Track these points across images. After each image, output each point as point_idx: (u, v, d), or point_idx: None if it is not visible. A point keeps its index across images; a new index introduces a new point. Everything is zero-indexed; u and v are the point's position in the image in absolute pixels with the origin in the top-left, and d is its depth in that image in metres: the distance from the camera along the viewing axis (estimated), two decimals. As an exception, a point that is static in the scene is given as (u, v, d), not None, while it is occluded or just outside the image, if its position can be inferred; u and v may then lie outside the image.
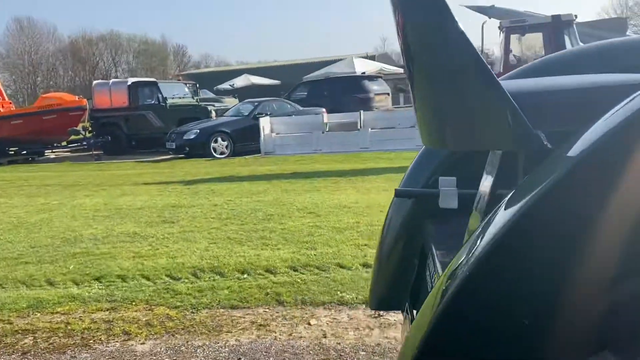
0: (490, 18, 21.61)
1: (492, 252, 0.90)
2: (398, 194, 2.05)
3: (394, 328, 3.39)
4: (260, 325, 3.58)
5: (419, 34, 1.30)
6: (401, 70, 27.97)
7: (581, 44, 14.26)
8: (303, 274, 4.43)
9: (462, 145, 1.45)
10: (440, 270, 1.59)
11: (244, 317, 3.73)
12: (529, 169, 1.36)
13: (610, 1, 53.48)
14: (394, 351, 3.07)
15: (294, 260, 4.73)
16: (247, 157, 14.31)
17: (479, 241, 0.95)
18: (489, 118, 1.28)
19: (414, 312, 1.92)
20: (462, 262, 0.97)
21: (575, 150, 0.94)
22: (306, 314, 3.72)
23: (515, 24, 14.82)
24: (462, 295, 0.91)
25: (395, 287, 2.13)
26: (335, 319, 3.61)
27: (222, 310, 3.89)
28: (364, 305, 3.78)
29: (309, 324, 3.56)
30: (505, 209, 0.96)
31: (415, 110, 1.50)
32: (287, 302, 3.92)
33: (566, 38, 13.99)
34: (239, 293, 4.13)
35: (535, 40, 14.98)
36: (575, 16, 14.35)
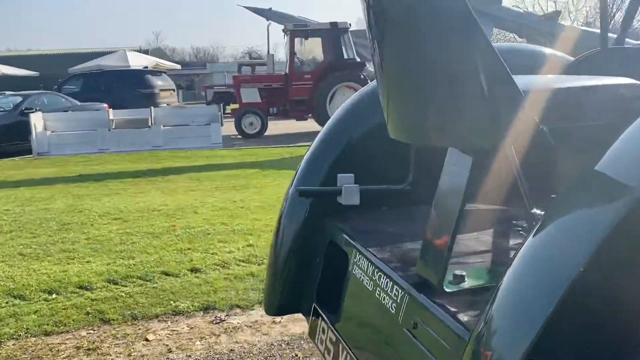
0: (267, 20, 22.48)
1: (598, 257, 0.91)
2: (302, 193, 2.02)
3: (241, 331, 3.33)
4: (89, 349, 3.18)
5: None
6: (177, 66, 27.10)
7: (353, 48, 15.75)
8: (125, 286, 4.05)
9: (451, 141, 1.37)
10: (383, 267, 1.56)
11: (65, 343, 3.26)
12: (531, 166, 1.39)
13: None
14: (250, 354, 3.02)
15: (111, 272, 4.29)
16: (15, 158, 12.45)
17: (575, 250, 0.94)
18: (498, 113, 1.25)
19: (325, 312, 1.89)
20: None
21: None
22: (140, 329, 3.42)
23: (298, 28, 15.66)
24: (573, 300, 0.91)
25: (297, 289, 2.08)
26: (174, 330, 3.39)
27: (33, 339, 3.34)
28: (201, 313, 3.62)
29: (147, 339, 3.28)
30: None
31: (387, 102, 1.45)
32: (114, 319, 3.54)
33: (342, 44, 15.29)
34: (51, 317, 3.59)
35: (315, 44, 16.04)
36: (350, 24, 15.77)
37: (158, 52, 39.75)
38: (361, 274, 1.67)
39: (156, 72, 20.76)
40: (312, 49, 16.55)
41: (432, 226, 1.41)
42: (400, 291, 1.44)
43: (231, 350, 3.08)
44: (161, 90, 19.04)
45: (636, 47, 2.28)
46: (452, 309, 1.27)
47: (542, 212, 1.69)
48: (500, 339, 0.98)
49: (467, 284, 1.36)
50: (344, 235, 1.87)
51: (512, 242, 1.71)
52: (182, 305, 3.71)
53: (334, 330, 1.76)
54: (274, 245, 2.15)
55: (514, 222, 1.81)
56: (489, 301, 1.04)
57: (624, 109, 1.50)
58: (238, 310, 3.65)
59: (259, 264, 4.43)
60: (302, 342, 3.12)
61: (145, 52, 35.21)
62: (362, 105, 2.15)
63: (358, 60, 15.77)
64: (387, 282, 1.51)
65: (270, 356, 2.99)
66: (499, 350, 0.97)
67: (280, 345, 3.11)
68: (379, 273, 1.57)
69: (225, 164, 9.98)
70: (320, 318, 1.89)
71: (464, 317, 1.23)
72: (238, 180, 8.27)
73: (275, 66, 18.37)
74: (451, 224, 1.33)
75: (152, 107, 13.38)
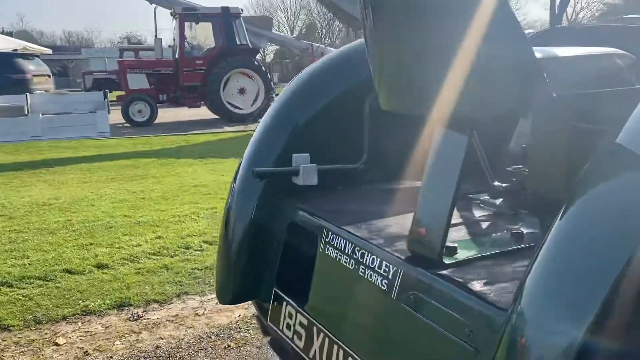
0: (151, 4, 21.43)
1: None
2: (258, 174, 1.92)
3: (163, 327, 3.16)
4: (-11, 360, 2.84)
5: None
6: (47, 50, 25.15)
7: (246, 35, 15.52)
8: (23, 288, 3.67)
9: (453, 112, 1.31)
10: (365, 245, 1.51)
11: (-42, 357, 2.89)
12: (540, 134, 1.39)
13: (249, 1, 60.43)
14: (179, 349, 2.87)
15: (2, 274, 3.87)
16: None
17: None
18: (513, 79, 1.22)
19: (290, 296, 1.83)
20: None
21: None
22: (47, 333, 3.12)
23: (188, 12, 15.08)
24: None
25: (254, 275, 1.98)
26: (88, 332, 3.14)
27: None
28: (115, 311, 3.39)
29: (57, 344, 3.00)
30: None
31: (380, 73, 1.40)
32: (14, 325, 3.20)
33: (234, 29, 14.99)
34: None
35: (206, 29, 15.56)
36: (242, 10, 15.49)
37: (24, 35, 36.31)
38: (337, 253, 1.63)
39: (28, 55, 18.95)
40: (203, 34, 16.06)
41: (426, 201, 1.41)
42: (391, 267, 1.42)
43: (157, 347, 2.91)
44: (34, 75, 17.41)
45: (580, 26, 2.45)
46: (458, 279, 1.28)
47: (503, 184, 1.78)
48: (553, 319, 0.96)
49: (461, 255, 1.38)
50: (310, 216, 1.82)
51: (477, 214, 1.76)
52: (93, 304, 3.44)
53: (304, 314, 1.71)
54: (224, 231, 2.04)
55: (470, 195, 1.88)
56: (523, 279, 1.02)
57: (608, 78, 1.58)
58: (155, 305, 3.46)
59: (171, 256, 4.23)
60: (232, 332, 3.03)
61: (9, 34, 32.04)
62: (312, 84, 2.10)
63: (251, 46, 15.57)
64: (374, 259, 1.49)
65: (201, 349, 2.86)
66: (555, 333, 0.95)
67: (210, 337, 2.99)
68: (362, 251, 1.53)
69: (117, 153, 9.40)
70: (284, 303, 1.82)
71: (473, 287, 1.24)
72: (134, 171, 7.83)
73: (163, 52, 17.61)
74: (449, 199, 1.34)
75: (27, 94, 12.18)
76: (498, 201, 1.78)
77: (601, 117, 1.40)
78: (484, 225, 1.66)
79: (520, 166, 1.83)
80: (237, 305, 3.04)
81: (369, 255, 1.51)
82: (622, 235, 0.91)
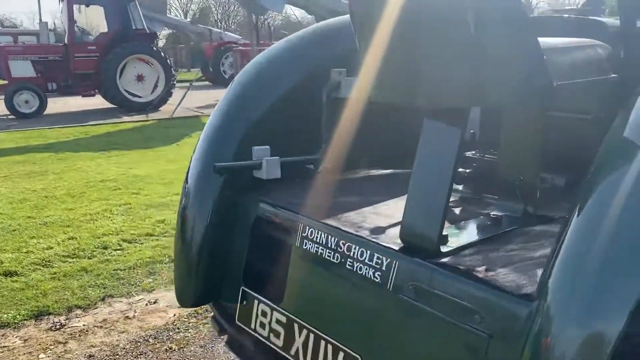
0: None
1: None
2: (219, 170, 1.83)
3: (92, 333, 2.96)
4: None
5: None
6: None
7: (142, 19, 14.78)
8: None
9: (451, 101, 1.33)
10: (352, 237, 1.49)
11: None
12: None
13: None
14: (116, 356, 2.71)
15: None
16: None
17: None
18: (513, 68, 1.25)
19: (262, 295, 1.77)
20: None
21: None
22: (-45, 354, 2.82)
23: (77, -6, 14.04)
24: None
25: (217, 275, 1.91)
26: (5, 347, 2.87)
27: None
28: (33, 321, 3.13)
29: (-30, 364, 2.72)
30: None
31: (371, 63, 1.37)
32: None
33: (129, 13, 14.20)
34: None
35: (97, 13, 14.60)
36: (135, -7, 14.68)
37: None
38: (317, 247, 1.59)
39: None
40: (94, 18, 15.04)
41: (420, 192, 1.41)
42: (384, 259, 1.41)
43: (90, 356, 2.72)
44: None
45: (548, 15, 2.58)
46: (461, 267, 1.30)
47: (466, 170, 1.84)
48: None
49: (453, 242, 1.41)
50: (280, 210, 1.77)
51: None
52: (6, 316, 3.15)
53: (282, 311, 1.67)
54: (181, 232, 1.93)
55: None
56: (548, 270, 1.07)
57: (595, 67, 1.67)
58: (79, 312, 3.24)
59: (89, 257, 3.97)
60: (170, 334, 2.91)
61: None
62: (265, 75, 2.04)
63: (148, 31, 14.84)
64: (362, 251, 1.47)
65: (141, 354, 2.72)
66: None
67: (147, 340, 2.85)
68: (348, 244, 1.51)
69: (7, 148, 8.59)
70: (255, 302, 1.77)
71: (478, 273, 1.26)
72: (30, 167, 7.21)
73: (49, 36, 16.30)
74: (445, 187, 1.36)
75: None
76: (461, 187, 1.84)
77: (593, 105, 1.49)
78: (459, 211, 1.71)
79: (474, 152, 1.90)
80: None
81: (357, 247, 1.48)
82: None
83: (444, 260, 1.34)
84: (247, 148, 1.90)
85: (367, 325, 1.47)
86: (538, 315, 1.06)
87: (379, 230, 1.55)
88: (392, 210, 1.70)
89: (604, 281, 1.00)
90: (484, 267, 1.30)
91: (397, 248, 1.42)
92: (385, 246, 1.44)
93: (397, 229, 1.48)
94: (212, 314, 2.18)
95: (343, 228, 1.58)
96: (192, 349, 2.75)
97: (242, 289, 1.83)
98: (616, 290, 0.99)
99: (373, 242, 1.48)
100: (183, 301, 2.02)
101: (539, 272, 1.22)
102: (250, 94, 2.01)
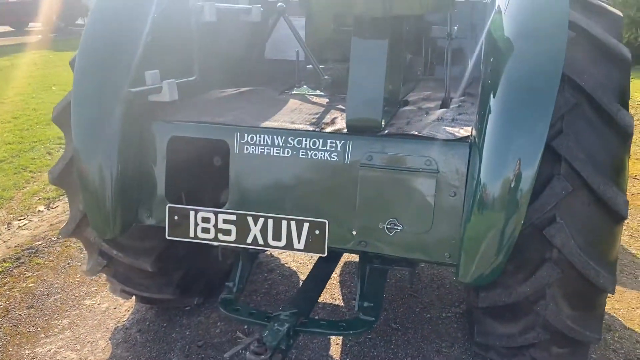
0: None
1: None
2: (134, 95, 1.88)
3: None
4: None
5: None
6: None
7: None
8: None
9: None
10: (300, 132, 1.89)
11: None
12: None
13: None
14: None
15: None
16: None
17: None
18: None
19: (195, 204, 2.01)
20: None
21: None
22: None
23: None
24: None
25: (136, 199, 2.02)
26: None
27: None
28: None
29: None
30: None
31: None
32: None
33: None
34: None
35: None
36: None
37: None
38: (262, 149, 1.85)
39: None
40: None
41: (360, 83, 1.80)
42: (338, 142, 1.81)
43: None
44: None
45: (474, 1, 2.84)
46: (405, 133, 1.80)
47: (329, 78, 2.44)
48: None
49: (386, 120, 1.89)
50: (207, 125, 1.92)
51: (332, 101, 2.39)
52: None
53: (230, 212, 1.89)
54: (85, 161, 1.88)
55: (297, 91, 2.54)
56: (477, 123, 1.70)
57: None
58: None
59: None
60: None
61: None
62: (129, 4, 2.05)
63: None
64: (315, 141, 1.82)
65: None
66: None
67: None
68: (298, 138, 1.83)
69: None
70: (191, 213, 1.93)
71: (419, 133, 1.79)
72: None
73: None
74: (382, 75, 1.79)
75: None
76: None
77: None
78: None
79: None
80: None
81: (308, 139, 1.82)
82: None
83: (390, 131, 1.82)
84: (140, 73, 1.93)
85: (327, 197, 1.84)
86: (474, 151, 1.66)
87: (319, 124, 1.92)
88: (298, 111, 2.10)
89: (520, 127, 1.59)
90: (423, 129, 1.81)
91: (348, 132, 1.82)
92: (337, 133, 1.83)
93: (324, 121, 1.93)
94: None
95: (288, 127, 1.88)
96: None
97: (169, 206, 1.97)
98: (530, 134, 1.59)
99: (322, 132, 1.84)
100: (104, 232, 1.98)
101: (467, 127, 1.80)
102: (123, 23, 2.00)
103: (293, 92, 2.48)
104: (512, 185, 1.55)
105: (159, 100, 1.94)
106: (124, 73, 1.90)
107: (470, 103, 2.20)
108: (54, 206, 4.16)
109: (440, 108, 2.19)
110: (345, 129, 1.83)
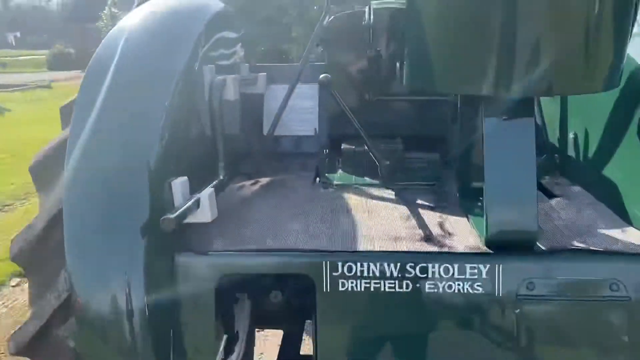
0: None
1: None
2: (169, 222, 1.30)
3: None
4: None
5: None
6: None
7: None
8: None
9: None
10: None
11: None
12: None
13: None
14: None
15: None
16: None
17: None
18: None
19: None
20: None
21: None
22: None
23: None
24: None
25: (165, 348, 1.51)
26: None
27: None
28: None
29: None
30: None
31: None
32: None
33: None
34: None
35: None
36: None
37: None
38: (368, 283, 1.34)
39: None
40: None
41: (503, 187, 1.40)
42: (483, 266, 1.35)
43: None
44: None
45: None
46: (580, 247, 1.40)
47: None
48: None
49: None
50: (281, 254, 1.39)
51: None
52: None
53: None
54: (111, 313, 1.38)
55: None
56: None
57: None
58: None
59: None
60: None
61: None
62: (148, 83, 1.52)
63: None
64: (447, 267, 1.33)
65: None
66: None
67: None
68: (421, 264, 1.33)
69: None
70: None
71: (597, 248, 1.41)
72: None
73: None
74: (533, 177, 1.39)
75: None
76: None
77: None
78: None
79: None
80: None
81: (437, 266, 1.30)
82: None
83: (551, 245, 1.36)
84: (161, 182, 1.38)
85: (472, 346, 1.36)
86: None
87: (429, 239, 1.41)
88: (376, 216, 1.60)
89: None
90: (595, 239, 1.38)
91: (491, 251, 1.36)
92: (474, 253, 1.35)
93: (438, 233, 1.44)
94: None
95: (402, 249, 1.37)
96: None
97: None
98: None
99: (454, 252, 1.34)
100: None
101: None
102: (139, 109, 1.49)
103: (335, 183, 1.91)
104: None
105: (197, 221, 1.39)
106: (137, 182, 1.35)
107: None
108: None
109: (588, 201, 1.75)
110: (483, 246, 1.37)
